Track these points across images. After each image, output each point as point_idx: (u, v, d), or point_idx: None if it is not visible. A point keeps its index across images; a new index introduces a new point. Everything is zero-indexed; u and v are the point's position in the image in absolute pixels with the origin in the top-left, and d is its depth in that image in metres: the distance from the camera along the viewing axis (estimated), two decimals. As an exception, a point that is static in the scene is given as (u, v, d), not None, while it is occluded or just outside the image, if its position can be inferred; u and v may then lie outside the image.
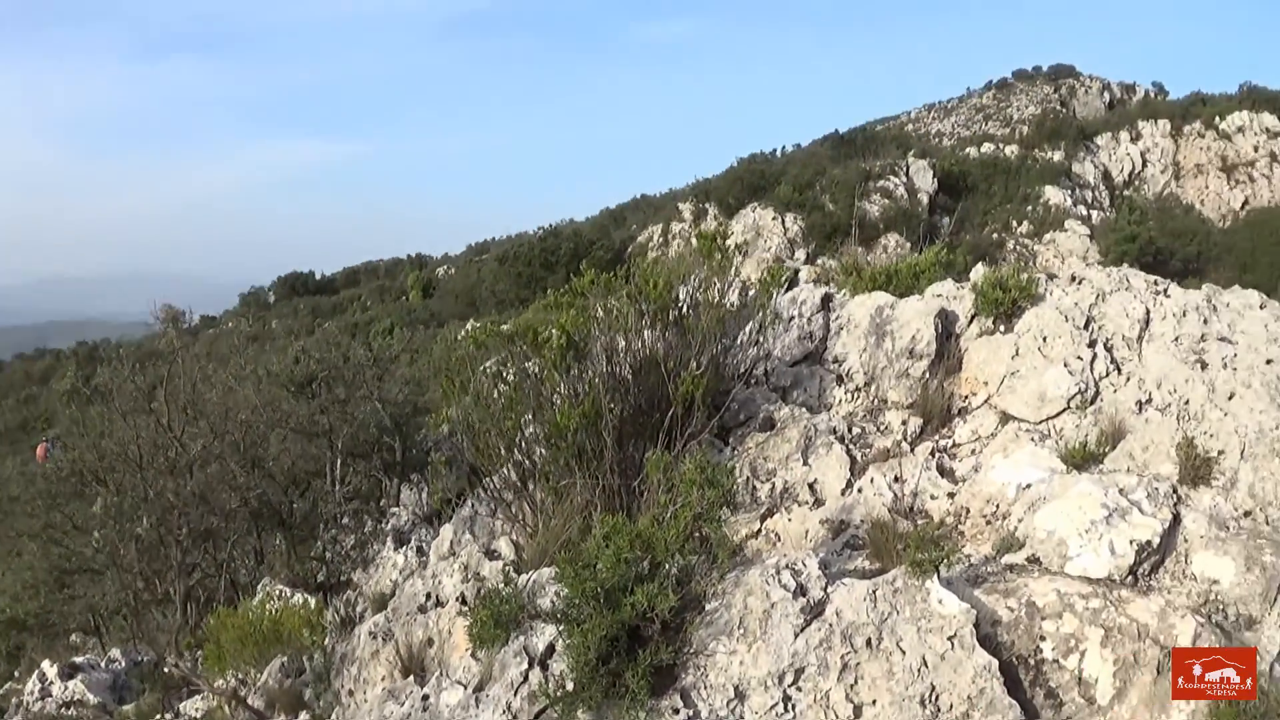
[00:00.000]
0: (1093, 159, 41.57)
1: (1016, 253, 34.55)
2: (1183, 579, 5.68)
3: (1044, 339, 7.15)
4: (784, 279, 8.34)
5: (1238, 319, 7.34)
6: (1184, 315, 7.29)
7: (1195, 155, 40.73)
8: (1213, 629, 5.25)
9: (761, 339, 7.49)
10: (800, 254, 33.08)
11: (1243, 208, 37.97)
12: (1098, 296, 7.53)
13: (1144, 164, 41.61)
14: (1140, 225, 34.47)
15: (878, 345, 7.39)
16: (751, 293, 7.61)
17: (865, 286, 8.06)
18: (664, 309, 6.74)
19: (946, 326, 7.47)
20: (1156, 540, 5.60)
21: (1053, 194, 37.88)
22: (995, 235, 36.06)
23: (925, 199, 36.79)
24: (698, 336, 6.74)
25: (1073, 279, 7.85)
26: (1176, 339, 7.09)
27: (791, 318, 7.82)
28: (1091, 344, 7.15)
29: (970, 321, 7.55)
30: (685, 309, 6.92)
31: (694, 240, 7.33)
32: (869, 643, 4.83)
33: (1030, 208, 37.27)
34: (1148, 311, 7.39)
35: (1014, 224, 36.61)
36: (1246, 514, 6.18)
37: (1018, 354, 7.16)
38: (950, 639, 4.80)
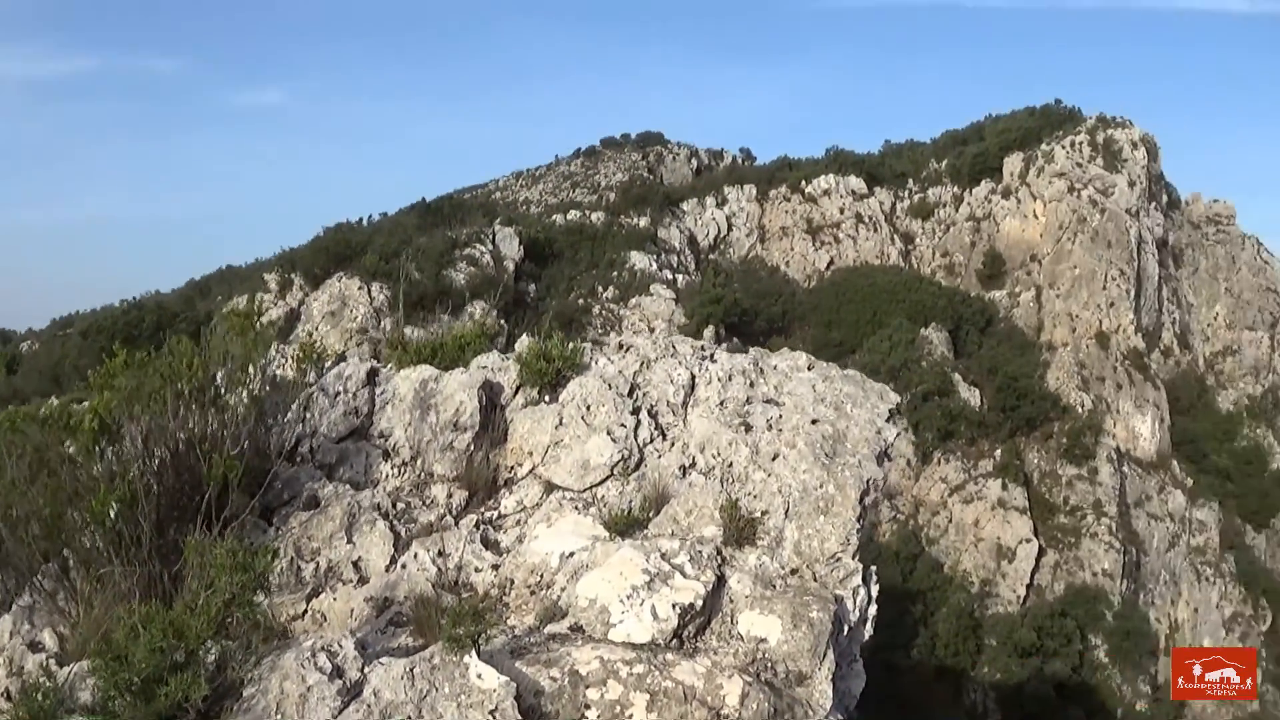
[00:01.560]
0: (679, 224, 46.24)
1: (602, 318, 37.68)
2: (730, 639, 6.11)
3: (587, 407, 7.70)
4: (335, 355, 8.85)
5: (785, 381, 8.06)
6: (729, 379, 8.03)
7: (781, 218, 46.45)
8: (761, 687, 5.67)
9: (308, 415, 7.74)
10: (386, 323, 33.96)
11: (828, 267, 43.83)
12: (643, 364, 8.22)
13: (730, 228, 46.98)
14: (725, 288, 38.95)
15: (423, 419, 7.75)
16: (293, 370, 7.95)
17: (411, 360, 8.45)
18: (200, 389, 7.05)
19: (492, 398, 7.94)
20: (700, 602, 6.06)
21: (638, 259, 41.64)
22: (581, 301, 38.97)
23: (511, 266, 38.98)
24: (234, 416, 6.95)
25: (620, 347, 8.59)
26: (722, 403, 7.77)
27: (337, 393, 8.08)
28: (635, 411, 7.76)
29: (515, 392, 8.08)
30: (222, 388, 7.26)
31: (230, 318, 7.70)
32: (409, 721, 5.02)
33: (616, 273, 40.69)
34: (693, 377, 8.08)
35: (600, 289, 39.77)
36: (794, 571, 6.79)
37: (561, 423, 7.66)
38: (491, 713, 5.10)
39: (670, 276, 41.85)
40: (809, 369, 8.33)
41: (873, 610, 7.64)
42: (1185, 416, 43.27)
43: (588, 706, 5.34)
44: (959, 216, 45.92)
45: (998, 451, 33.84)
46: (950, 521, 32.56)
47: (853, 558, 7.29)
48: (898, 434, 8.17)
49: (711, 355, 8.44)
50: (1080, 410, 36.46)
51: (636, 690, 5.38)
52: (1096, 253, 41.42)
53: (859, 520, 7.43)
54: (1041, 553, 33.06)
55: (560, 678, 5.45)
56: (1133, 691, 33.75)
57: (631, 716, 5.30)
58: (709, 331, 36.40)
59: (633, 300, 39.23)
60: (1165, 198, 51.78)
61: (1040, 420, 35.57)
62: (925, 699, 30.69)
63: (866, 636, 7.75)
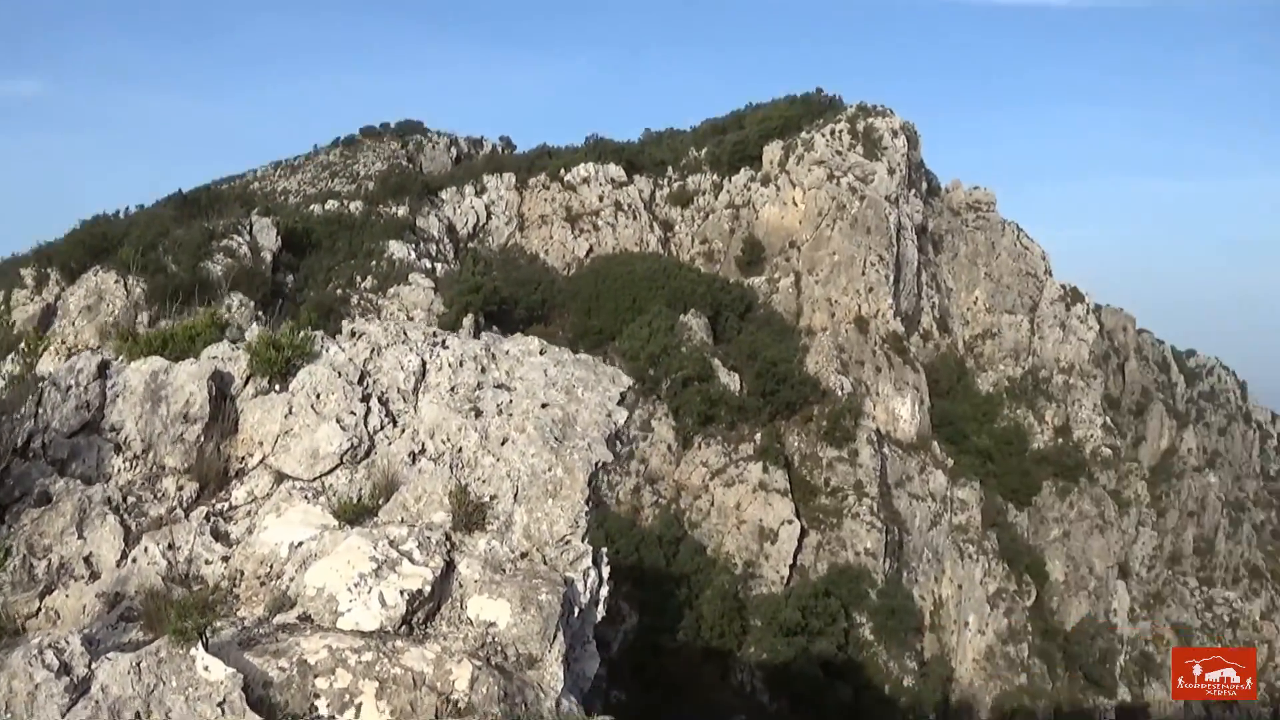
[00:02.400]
0: (438, 213, 46.88)
1: (361, 308, 38.00)
2: (459, 624, 6.49)
3: (317, 396, 8.02)
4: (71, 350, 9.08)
5: (517, 365, 8.54)
6: (461, 365, 8.44)
7: (541, 206, 47.69)
8: (491, 671, 6.05)
9: (40, 410, 7.84)
10: (144, 316, 33.74)
11: (588, 255, 45.26)
12: (374, 350, 8.58)
13: (489, 216, 47.92)
14: (484, 276, 39.84)
15: (154, 411, 7.93)
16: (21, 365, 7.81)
17: (141, 351, 8.57)
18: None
19: (222, 388, 8.16)
20: (428, 588, 6.42)
21: (397, 248, 42.11)
22: (340, 291, 39.19)
23: (269, 257, 38.95)
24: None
25: (352, 334, 8.93)
26: (453, 388, 8.19)
27: (69, 387, 8.15)
28: (366, 398, 8.11)
29: (246, 382, 8.34)
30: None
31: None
32: (138, 716, 5.26)
33: (374, 263, 41.05)
34: (424, 363, 8.46)
35: (358, 279, 40.08)
36: (523, 555, 7.26)
37: (291, 412, 7.98)
38: (220, 705, 5.32)
39: (429, 265, 42.48)
40: (541, 353, 8.90)
41: (604, 592, 8.28)
42: (945, 399, 46.84)
43: (317, 696, 5.64)
44: (718, 204, 48.25)
45: (758, 435, 35.85)
46: (712, 505, 34.30)
47: (582, 540, 7.96)
48: (628, 417, 8.99)
49: (443, 341, 8.94)
50: (840, 393, 38.97)
51: (365, 678, 5.66)
52: (855, 239, 44.31)
53: (588, 503, 8.14)
54: (804, 534, 35.12)
55: (289, 667, 5.75)
56: (899, 668, 36.15)
57: (361, 705, 5.57)
58: (468, 320, 37.21)
59: (391, 290, 39.67)
60: (925, 185, 55.78)
61: (800, 404, 37.87)
62: (693, 680, 32.24)
63: (599, 618, 8.39)
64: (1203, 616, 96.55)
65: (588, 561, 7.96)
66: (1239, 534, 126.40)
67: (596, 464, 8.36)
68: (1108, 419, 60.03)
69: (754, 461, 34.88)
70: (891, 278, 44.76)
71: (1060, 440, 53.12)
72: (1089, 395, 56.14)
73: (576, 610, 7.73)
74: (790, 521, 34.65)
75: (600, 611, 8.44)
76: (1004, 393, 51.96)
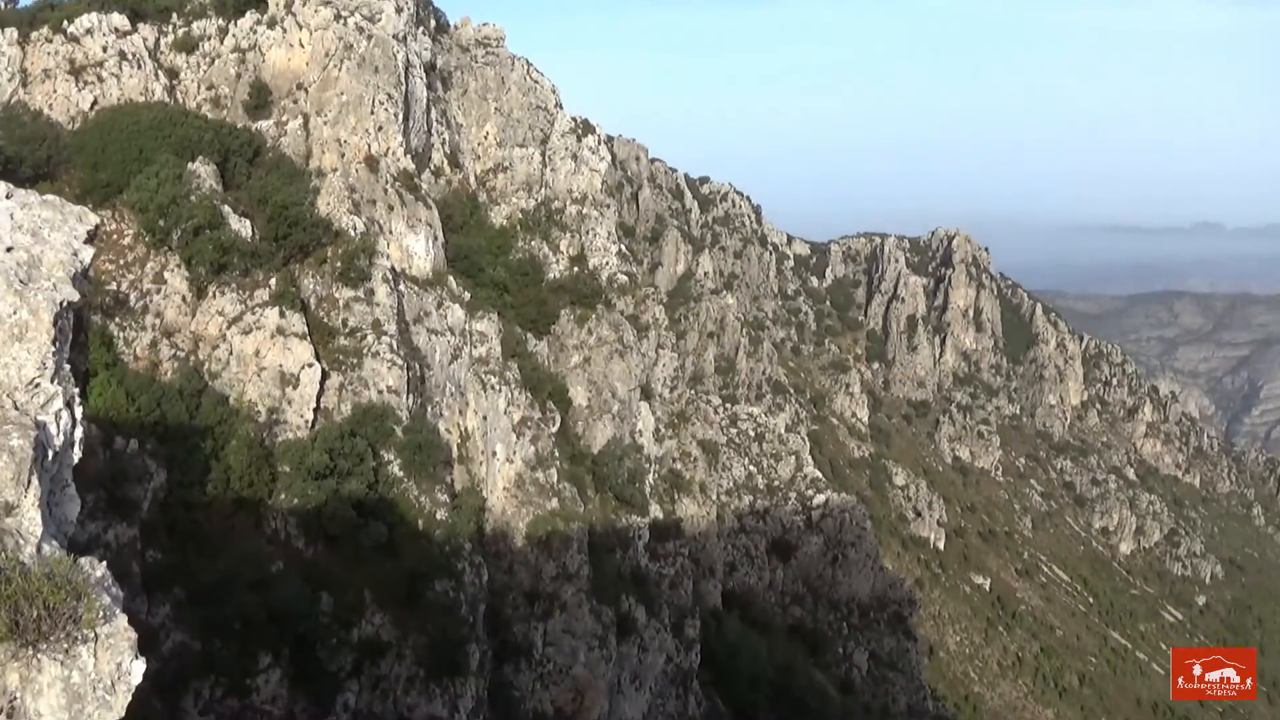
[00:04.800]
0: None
1: None
2: None
3: None
4: None
5: None
6: None
7: (44, 60, 46.92)
8: None
9: None
10: None
11: (93, 108, 45.22)
12: None
13: (-8, 74, 46.41)
14: (-16, 136, 39.30)
15: None
16: None
17: None
18: None
19: None
20: None
21: None
22: None
23: None
24: None
25: None
26: None
27: None
28: None
29: None
30: None
31: None
32: None
33: None
34: None
35: None
36: None
37: None
38: None
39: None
40: (7, 197, 9.62)
41: (79, 433, 9.06)
42: (459, 233, 51.85)
43: None
44: (224, 49, 49.66)
45: (273, 280, 38.82)
46: (231, 354, 37.11)
47: (52, 382, 8.56)
48: (95, 254, 9.96)
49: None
50: (353, 234, 42.63)
51: None
52: (364, 79, 47.51)
53: (54, 344, 8.77)
54: (325, 376, 38.76)
55: None
56: (431, 502, 40.50)
57: None
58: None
59: None
60: (434, 22, 59.52)
61: (314, 246, 41.19)
62: (225, 533, 35.01)
63: (75, 460, 9.11)
64: (728, 432, 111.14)
65: (59, 404, 8.55)
66: (759, 352, 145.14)
67: (63, 303, 8.91)
68: (623, 246, 67.33)
69: (270, 307, 37.91)
70: (401, 116, 48.47)
71: (576, 269, 59.83)
72: (603, 224, 63.07)
73: (51, 454, 8.34)
74: (311, 365, 38.10)
75: (77, 453, 9.14)
76: (518, 225, 57.78)
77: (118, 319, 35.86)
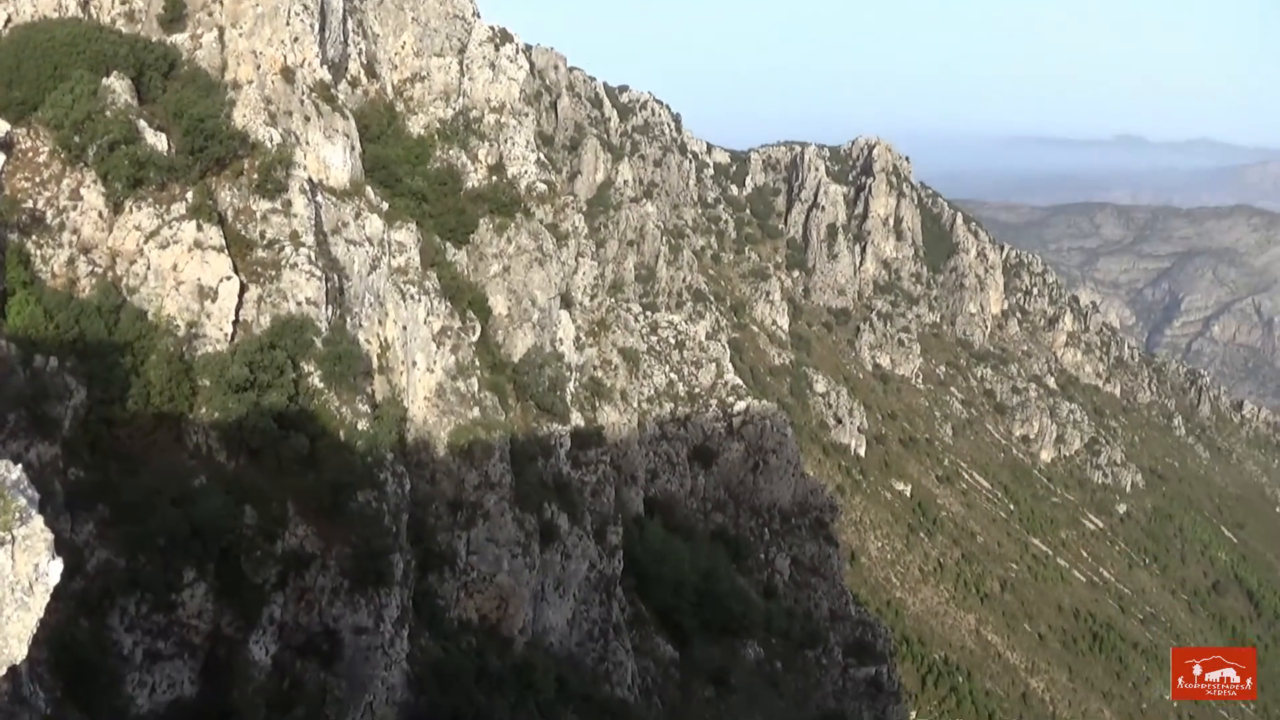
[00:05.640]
0: None
1: None
2: None
3: None
4: None
5: None
6: None
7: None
8: None
9: None
10: None
11: (6, 25, 44.85)
12: None
13: None
14: None
15: None
16: None
17: None
18: None
19: None
20: None
21: None
22: None
23: None
24: None
25: None
26: None
27: None
28: None
29: None
30: None
31: None
32: None
33: None
34: None
35: None
36: None
37: None
38: None
39: None
40: None
41: None
42: (376, 144, 52.31)
43: None
44: (132, -42, 49.00)
45: (190, 194, 39.18)
46: (149, 269, 37.55)
47: None
48: (5, 163, 11.98)
49: None
50: (270, 145, 42.98)
51: None
52: (275, -14, 47.31)
53: None
54: (244, 289, 39.35)
55: None
56: (352, 413, 41.37)
57: None
58: None
59: None
60: (345, -75, 58.97)
61: (230, 159, 41.48)
62: (147, 448, 35.72)
63: None
64: (649, 340, 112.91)
65: None
66: (679, 260, 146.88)
67: None
68: (541, 155, 68.03)
69: (188, 220, 38.33)
70: (317, 27, 48.64)
71: (495, 178, 60.60)
72: (521, 133, 63.76)
73: None
74: (229, 278, 38.68)
75: None
76: (436, 135, 58.25)
77: (34, 237, 36.03)
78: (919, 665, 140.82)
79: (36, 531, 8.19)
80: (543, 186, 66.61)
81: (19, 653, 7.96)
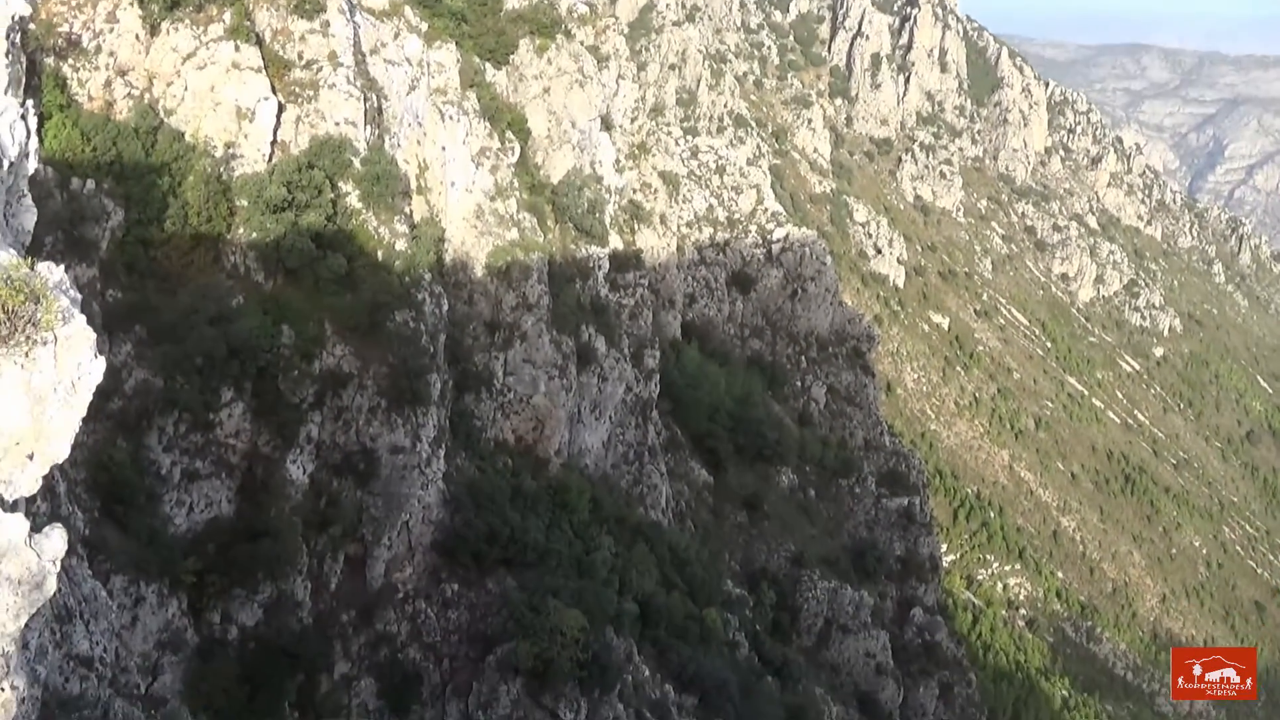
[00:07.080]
0: None
1: None
2: None
3: None
4: None
5: None
6: None
7: None
8: None
9: None
10: None
11: None
12: None
13: None
14: None
15: None
16: None
17: None
18: None
19: None
20: None
21: None
22: None
23: None
24: None
25: None
26: None
27: None
28: None
29: None
30: None
31: None
32: None
33: None
34: None
35: None
36: None
37: None
38: None
39: None
40: None
41: (34, 144, 9.32)
42: (414, -38, 50.97)
43: None
44: None
45: (227, 14, 38.59)
46: (187, 90, 37.24)
47: (5, 93, 8.67)
48: None
49: None
50: (305, -38, 42.02)
51: None
52: None
53: (6, 57, 9.01)
54: (282, 109, 39.04)
55: None
56: (390, 233, 41.20)
57: None
58: None
59: None
60: None
61: (264, -25, 40.70)
62: (185, 269, 35.81)
63: (31, 170, 9.40)
64: (689, 164, 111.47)
65: (14, 115, 8.70)
66: (721, 85, 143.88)
67: (15, 17, 9.17)
68: (581, -25, 66.10)
69: (225, 41, 37.89)
70: None
71: (535, -1, 58.95)
72: (559, -48, 61.74)
73: (6, 164, 8.58)
74: (266, 98, 38.36)
75: (32, 164, 9.44)
76: (475, -46, 56.55)
77: (70, 60, 35.65)
78: (951, 498, 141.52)
79: (79, 330, 8.00)
80: (584, 8, 65.15)
81: (62, 452, 8.03)
